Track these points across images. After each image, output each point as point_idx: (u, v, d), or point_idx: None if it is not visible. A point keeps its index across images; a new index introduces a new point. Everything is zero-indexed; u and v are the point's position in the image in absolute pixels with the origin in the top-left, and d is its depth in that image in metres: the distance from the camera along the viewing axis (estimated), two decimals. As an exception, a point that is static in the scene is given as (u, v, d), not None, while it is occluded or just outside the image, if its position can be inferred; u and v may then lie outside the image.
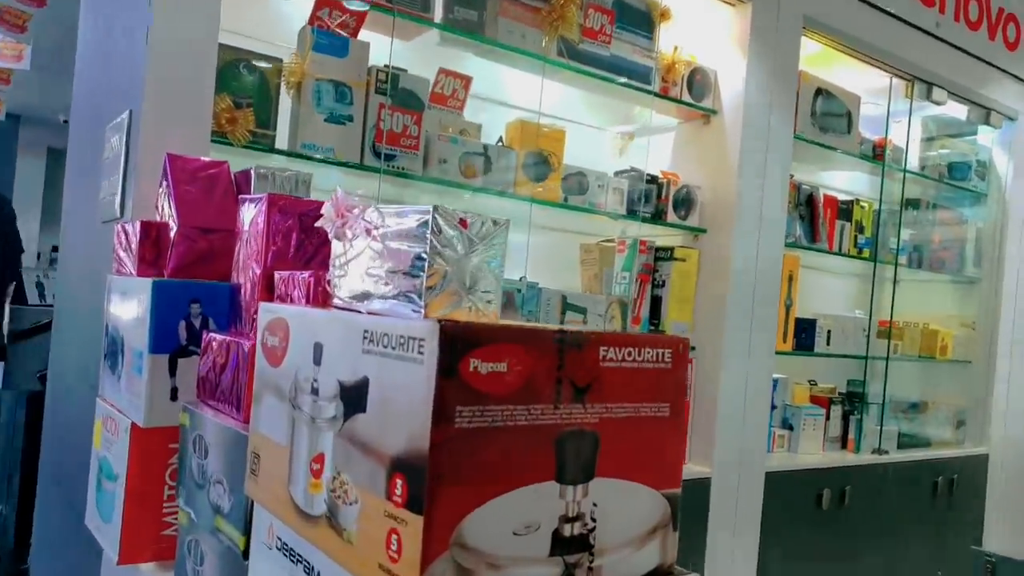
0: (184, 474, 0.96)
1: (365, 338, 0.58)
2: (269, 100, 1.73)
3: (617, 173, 2.37)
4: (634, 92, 2.31)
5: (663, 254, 2.44)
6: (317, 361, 0.65)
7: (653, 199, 2.38)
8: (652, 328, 2.43)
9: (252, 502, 0.78)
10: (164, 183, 1.20)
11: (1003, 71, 3.33)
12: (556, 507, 0.56)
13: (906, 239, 3.24)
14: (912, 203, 3.26)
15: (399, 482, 0.53)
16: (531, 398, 0.54)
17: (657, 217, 2.37)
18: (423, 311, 0.64)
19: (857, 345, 2.99)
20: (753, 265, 2.45)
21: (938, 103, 3.15)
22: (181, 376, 1.08)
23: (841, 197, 3.05)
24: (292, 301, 0.86)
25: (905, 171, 3.14)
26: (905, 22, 2.91)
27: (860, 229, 3.06)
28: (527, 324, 0.56)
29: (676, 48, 2.41)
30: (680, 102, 2.42)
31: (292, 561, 0.68)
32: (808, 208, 2.92)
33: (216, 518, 0.86)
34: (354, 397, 0.59)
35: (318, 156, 1.74)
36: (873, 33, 2.81)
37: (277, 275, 0.90)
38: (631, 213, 2.30)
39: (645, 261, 2.43)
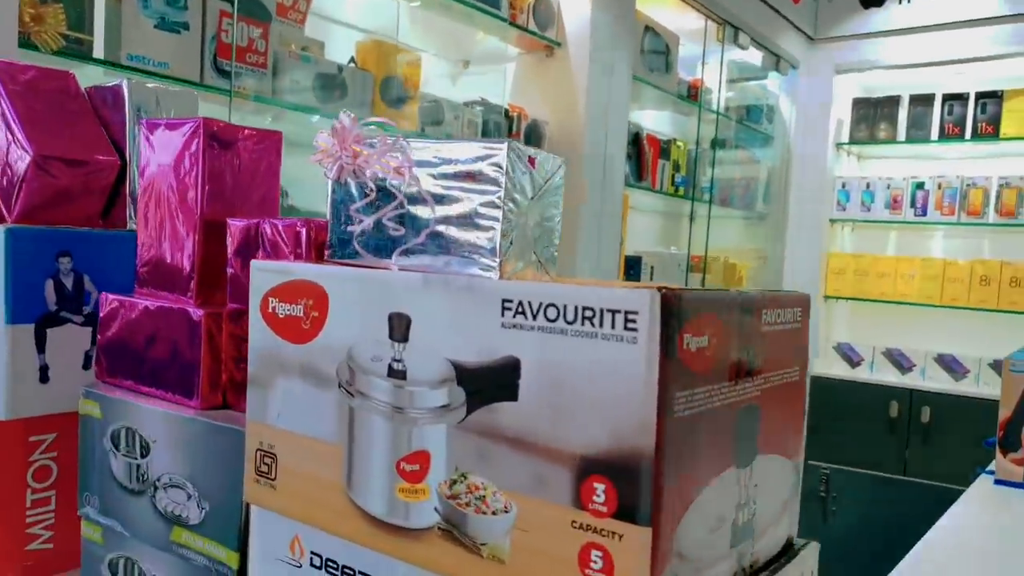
0: (93, 477, 0.76)
1: (507, 309, 0.46)
2: (83, -4, 1.40)
3: (467, 104, 2.25)
4: (479, 17, 2.19)
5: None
6: (400, 337, 0.51)
7: (504, 133, 2.29)
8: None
9: (247, 510, 0.62)
10: None
11: (788, 21, 3.61)
12: (734, 495, 0.48)
13: (715, 177, 3.45)
14: (719, 143, 3.48)
15: (599, 487, 0.42)
16: (721, 375, 0.46)
17: (511, 152, 2.30)
18: (497, 270, 0.52)
19: (677, 279, 3.17)
20: (599, 204, 2.47)
21: (742, 47, 3.35)
22: (52, 351, 0.85)
23: (656, 135, 3.17)
24: (271, 256, 0.68)
25: (718, 113, 3.33)
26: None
27: (677, 168, 3.21)
28: (705, 289, 0.46)
29: (526, -26, 2.31)
30: (528, 31, 2.34)
31: (346, 580, 0.55)
32: (635, 147, 3.00)
33: (174, 530, 0.68)
34: (490, 382, 0.47)
35: (150, 70, 1.44)
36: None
37: (233, 222, 0.71)
38: (487, 148, 2.21)
39: (496, 198, 2.35)
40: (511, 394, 0.45)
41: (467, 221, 0.55)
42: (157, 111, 0.96)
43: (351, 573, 0.55)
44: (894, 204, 3.73)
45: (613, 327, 0.41)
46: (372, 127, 0.63)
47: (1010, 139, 3.44)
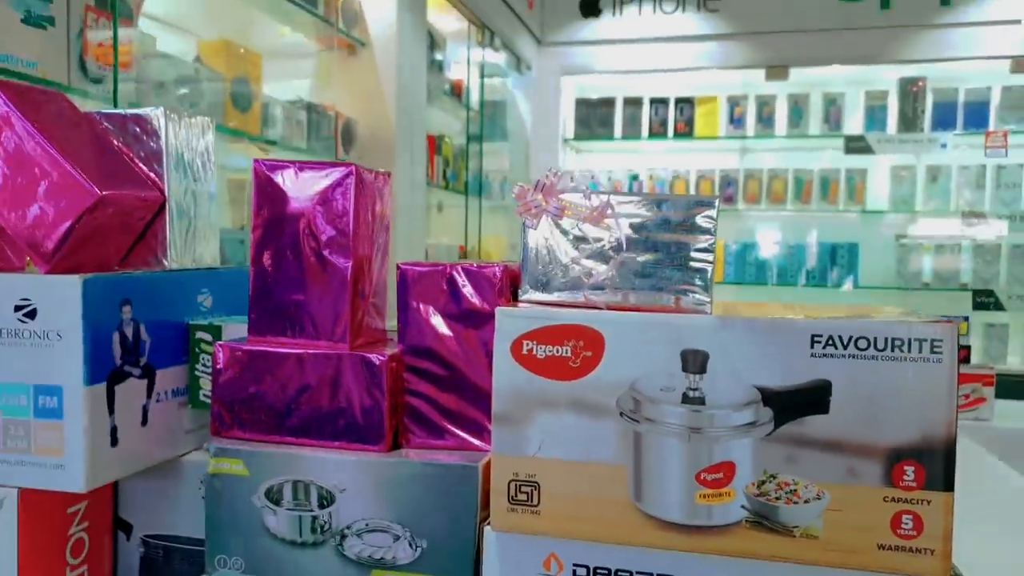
0: (233, 538, 0.72)
1: (816, 342, 0.59)
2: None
3: (289, 102, 2.18)
4: (286, 9, 2.13)
5: (331, 190, 2.35)
6: (696, 369, 0.62)
7: (324, 133, 2.26)
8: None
9: (479, 541, 0.67)
10: None
11: (524, 24, 3.95)
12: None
13: (475, 171, 3.67)
14: (475, 138, 3.70)
15: (910, 469, 0.58)
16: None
17: (334, 152, 2.27)
18: (710, 305, 0.66)
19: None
20: (408, 203, 2.54)
21: (495, 49, 3.60)
22: (121, 410, 0.78)
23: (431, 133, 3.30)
24: (459, 299, 0.72)
25: (481, 110, 3.54)
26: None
27: (447, 163, 3.37)
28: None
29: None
30: (339, 30, 2.32)
31: (620, 582, 0.64)
32: (417, 142, 3.09)
33: (375, 573, 0.70)
34: (800, 401, 0.60)
35: (19, 71, 1.24)
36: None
37: (408, 267, 0.73)
38: (310, 150, 2.16)
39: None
40: (823, 410, 0.59)
41: (678, 264, 0.67)
42: (187, 139, 0.89)
43: (627, 574, 0.64)
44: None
45: (920, 351, 0.58)
46: (572, 183, 0.71)
47: (702, 138, 4.15)
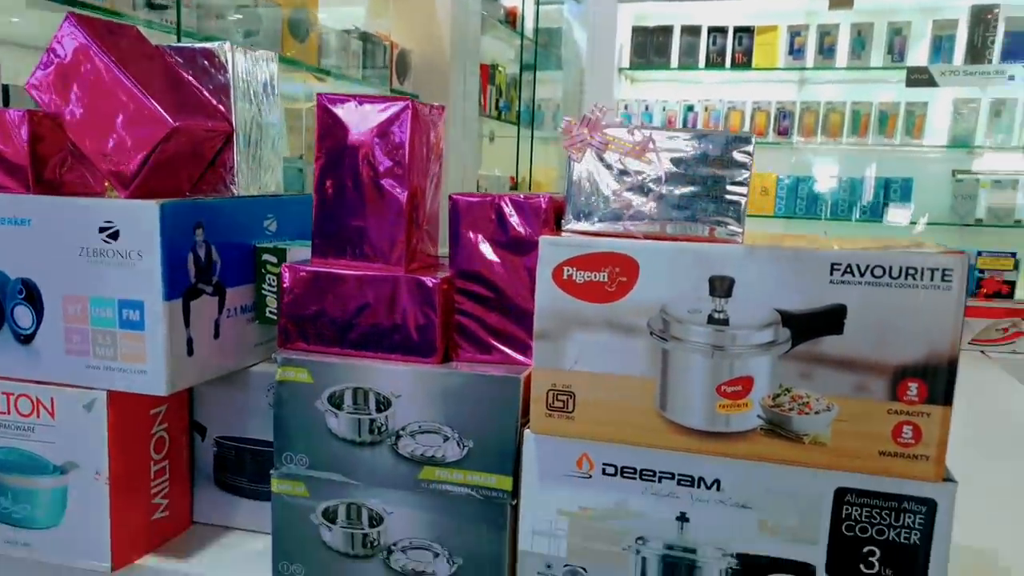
0: (298, 438, 0.81)
1: (835, 269, 0.64)
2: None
3: (343, 31, 2.22)
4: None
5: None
6: (722, 294, 0.67)
7: (381, 63, 2.31)
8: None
9: (519, 442, 0.75)
10: (64, 54, 0.85)
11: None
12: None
13: (527, 101, 3.68)
14: (529, 67, 3.69)
15: (913, 385, 0.63)
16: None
17: (387, 81, 2.32)
18: (741, 235, 0.71)
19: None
20: (460, 134, 2.59)
21: (549, -24, 3.56)
22: (193, 324, 0.87)
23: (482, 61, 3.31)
24: (506, 228, 0.79)
25: (535, 39, 3.52)
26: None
27: (500, 92, 3.39)
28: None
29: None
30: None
31: (645, 480, 0.71)
32: (468, 72, 3.11)
33: (423, 470, 0.78)
34: (817, 323, 0.65)
35: (87, 1, 1.31)
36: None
37: (461, 198, 0.79)
38: (365, 79, 2.21)
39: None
40: (837, 331, 0.64)
41: (714, 196, 0.71)
42: (252, 71, 0.96)
43: (651, 474, 0.71)
44: (669, 124, 4.24)
45: (932, 280, 0.62)
46: (615, 114, 0.75)
47: (760, 69, 4.06)
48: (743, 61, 4.07)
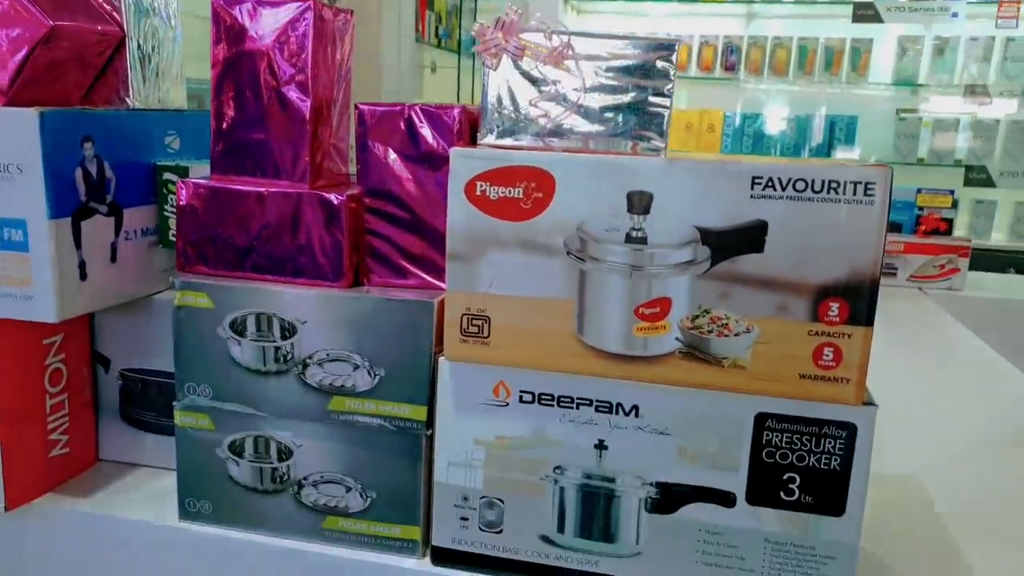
0: (200, 367, 0.76)
1: (756, 183, 0.61)
2: None
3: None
4: None
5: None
6: (640, 211, 0.63)
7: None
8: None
9: (433, 370, 0.71)
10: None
11: None
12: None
13: (469, 29, 3.56)
14: (470, -5, 3.56)
15: (835, 304, 0.61)
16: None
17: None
18: (664, 150, 0.67)
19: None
20: (396, 61, 2.48)
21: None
22: (86, 245, 0.80)
23: (422, -13, 3.17)
24: (417, 141, 0.73)
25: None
26: None
27: (439, 20, 3.26)
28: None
29: None
30: None
31: (563, 407, 0.69)
32: (407, -3, 2.98)
33: (332, 400, 0.74)
34: (737, 240, 0.62)
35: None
36: None
37: (367, 107, 0.73)
38: None
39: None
40: (758, 248, 0.62)
41: (636, 108, 0.67)
42: (147, -25, 0.87)
43: (568, 401, 0.69)
44: (615, 58, 4.16)
45: (855, 194, 0.59)
46: (533, 22, 0.70)
47: (708, 1, 3.99)
48: (691, -8, 4.00)
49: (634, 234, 0.64)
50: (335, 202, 0.73)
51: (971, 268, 2.20)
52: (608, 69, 0.68)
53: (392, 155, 0.74)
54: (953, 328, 1.79)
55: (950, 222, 2.33)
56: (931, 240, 2.24)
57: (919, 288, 2.19)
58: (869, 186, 0.59)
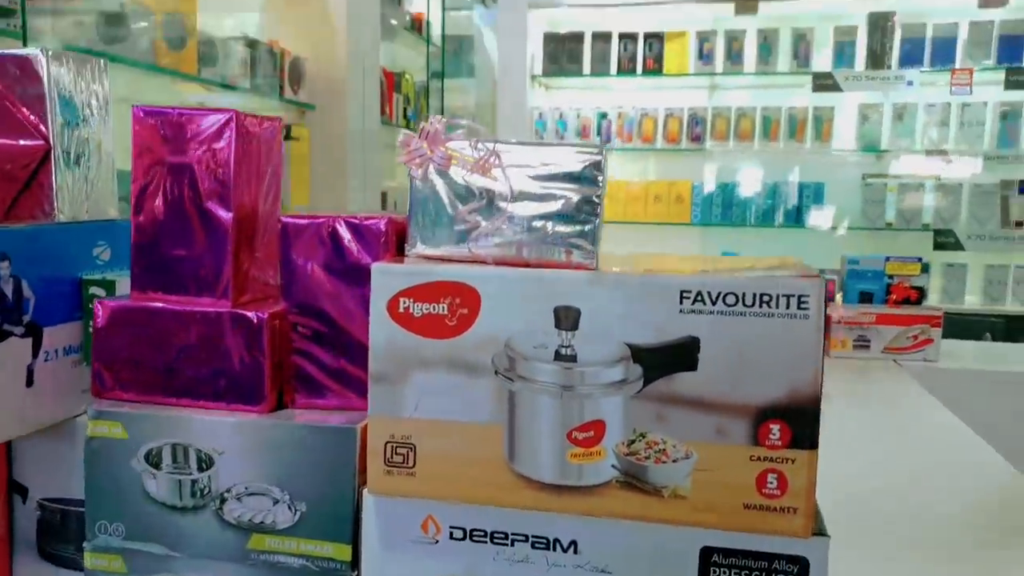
0: (112, 504, 0.71)
1: (685, 298, 0.58)
2: None
3: (231, 39, 2.10)
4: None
5: (278, 133, 2.29)
6: (568, 327, 0.60)
7: (272, 72, 2.19)
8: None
9: (358, 504, 0.67)
10: None
11: (490, -43, 3.82)
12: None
13: (437, 109, 3.60)
14: (436, 74, 3.61)
15: (775, 427, 0.57)
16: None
17: (279, 91, 2.21)
18: (595, 259, 0.65)
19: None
20: (360, 141, 2.49)
21: (457, -17, 3.49)
22: (1, 371, 0.76)
23: (388, 69, 3.21)
24: (343, 254, 0.70)
25: (442, 45, 3.45)
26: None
27: (407, 101, 3.30)
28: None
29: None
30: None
31: (497, 544, 0.64)
32: (372, 81, 3.01)
33: (252, 538, 0.69)
34: (669, 358, 0.59)
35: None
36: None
37: (291, 220, 0.70)
38: (255, 89, 2.10)
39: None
40: (691, 366, 0.58)
41: (566, 217, 0.65)
42: (76, 83, 0.85)
43: (502, 537, 0.64)
44: (583, 132, 4.22)
45: (788, 307, 0.56)
46: (460, 130, 0.68)
47: (671, 75, 4.07)
48: (654, 67, 4.08)
49: (563, 351, 0.61)
50: (255, 320, 0.70)
51: (947, 335, 2.18)
52: (537, 177, 0.66)
53: (317, 269, 0.71)
54: (928, 405, 1.75)
55: (921, 290, 2.32)
56: (903, 310, 2.22)
57: (894, 360, 2.17)
58: (803, 299, 0.56)
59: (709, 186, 4.04)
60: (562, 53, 4.23)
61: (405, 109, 3.23)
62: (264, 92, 2.13)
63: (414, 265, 0.64)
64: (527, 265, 0.65)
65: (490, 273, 0.62)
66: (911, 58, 3.68)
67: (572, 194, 0.66)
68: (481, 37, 4.02)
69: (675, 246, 4.11)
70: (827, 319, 2.33)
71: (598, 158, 0.66)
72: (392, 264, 0.64)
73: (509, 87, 4.16)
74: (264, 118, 0.78)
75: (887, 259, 2.36)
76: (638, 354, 0.59)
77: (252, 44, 2.12)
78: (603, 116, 4.19)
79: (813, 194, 3.91)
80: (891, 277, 2.37)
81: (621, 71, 4.12)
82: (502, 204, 0.67)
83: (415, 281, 0.62)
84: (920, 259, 2.35)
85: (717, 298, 0.57)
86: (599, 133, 4.19)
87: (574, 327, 0.60)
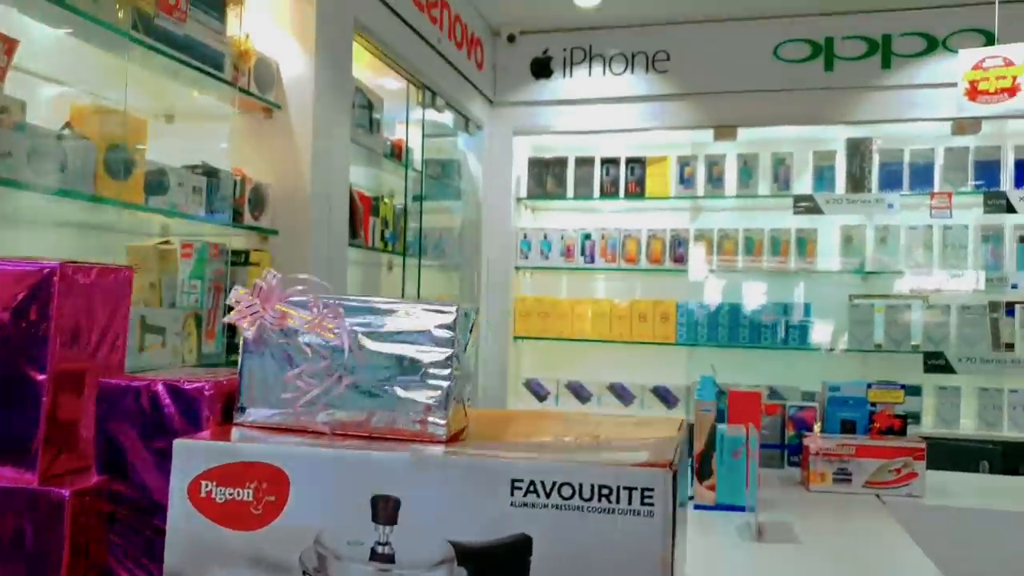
0: None
1: (517, 488, 0.49)
2: None
3: (185, 167, 2.10)
4: (192, 76, 2.07)
5: (238, 259, 2.26)
6: (386, 520, 0.51)
7: (230, 198, 2.18)
8: (229, 340, 2.24)
9: None
10: None
11: (474, 86, 3.93)
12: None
13: (422, 231, 3.60)
14: (418, 198, 3.63)
15: (621, 647, 0.48)
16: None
17: (235, 218, 2.19)
18: (446, 427, 0.57)
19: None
20: (326, 267, 2.45)
21: (438, 110, 3.56)
22: None
23: (366, 193, 3.22)
24: (163, 421, 0.62)
25: (423, 171, 3.48)
26: (419, 35, 3.21)
27: (386, 224, 3.30)
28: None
29: (248, 36, 2.24)
30: (250, 94, 2.25)
31: None
32: (348, 206, 3.02)
33: None
34: (498, 560, 0.50)
35: None
36: (402, 43, 3.04)
37: (109, 382, 0.63)
38: (211, 214, 2.08)
39: (218, 267, 2.21)
40: (522, 572, 0.49)
41: (414, 381, 0.58)
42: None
43: None
44: (568, 252, 4.21)
45: (630, 503, 0.48)
46: (299, 286, 0.62)
47: (653, 198, 4.10)
48: (636, 191, 4.11)
49: (380, 549, 0.52)
50: (55, 499, 0.61)
51: (941, 463, 2.05)
52: (382, 337, 0.59)
53: (133, 437, 0.63)
54: (904, 547, 1.61)
55: (903, 419, 2.21)
56: (884, 442, 2.10)
57: (877, 495, 2.03)
58: (647, 493, 0.48)
59: (693, 306, 3.98)
60: (546, 176, 4.28)
61: (383, 232, 3.23)
62: (221, 219, 2.11)
63: (218, 442, 0.56)
64: (369, 436, 0.57)
65: (300, 453, 0.54)
66: (890, 182, 3.69)
67: (423, 355, 0.58)
68: (466, 160, 4.09)
69: (660, 366, 4.03)
70: (805, 451, 2.22)
71: (451, 317, 0.59)
72: (195, 440, 0.56)
73: (495, 209, 4.19)
74: (108, 267, 0.72)
75: (869, 386, 2.26)
76: (464, 555, 0.50)
77: (211, 172, 2.12)
78: (587, 237, 4.19)
79: (799, 315, 3.84)
80: (874, 405, 2.26)
81: (604, 194, 4.15)
82: (342, 367, 0.60)
83: (219, 461, 0.54)
84: (903, 386, 2.25)
85: (552, 489, 0.49)
86: (583, 253, 4.18)
87: (392, 520, 0.52)
